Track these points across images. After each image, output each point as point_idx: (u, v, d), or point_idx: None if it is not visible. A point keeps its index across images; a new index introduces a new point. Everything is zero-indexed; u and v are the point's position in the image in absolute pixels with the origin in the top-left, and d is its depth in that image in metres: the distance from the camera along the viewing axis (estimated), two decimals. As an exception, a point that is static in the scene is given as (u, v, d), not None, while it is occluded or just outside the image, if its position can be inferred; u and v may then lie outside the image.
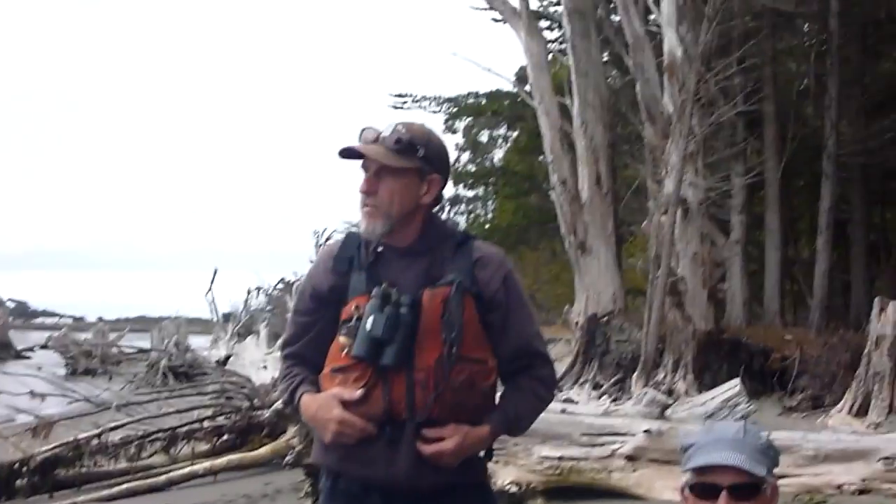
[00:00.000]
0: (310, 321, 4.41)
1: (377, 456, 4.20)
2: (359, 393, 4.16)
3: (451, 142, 68.90)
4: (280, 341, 4.61)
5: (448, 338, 4.14)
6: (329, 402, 4.21)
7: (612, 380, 25.48)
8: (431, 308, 4.17)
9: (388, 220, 4.26)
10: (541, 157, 36.48)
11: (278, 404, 14.11)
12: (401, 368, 4.14)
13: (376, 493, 4.26)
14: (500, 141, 62.64)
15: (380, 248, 4.32)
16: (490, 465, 4.56)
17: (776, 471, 3.76)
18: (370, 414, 4.17)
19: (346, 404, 4.18)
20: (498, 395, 4.43)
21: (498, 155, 61.98)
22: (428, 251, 4.32)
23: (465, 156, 62.00)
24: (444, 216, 4.60)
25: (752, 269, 35.55)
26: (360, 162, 4.29)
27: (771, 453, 3.71)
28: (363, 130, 4.30)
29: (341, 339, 4.21)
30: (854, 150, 32.53)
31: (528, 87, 31.26)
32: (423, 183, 4.31)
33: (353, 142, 4.28)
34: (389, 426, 4.19)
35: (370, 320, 4.12)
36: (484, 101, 52.33)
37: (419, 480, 4.20)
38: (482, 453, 4.41)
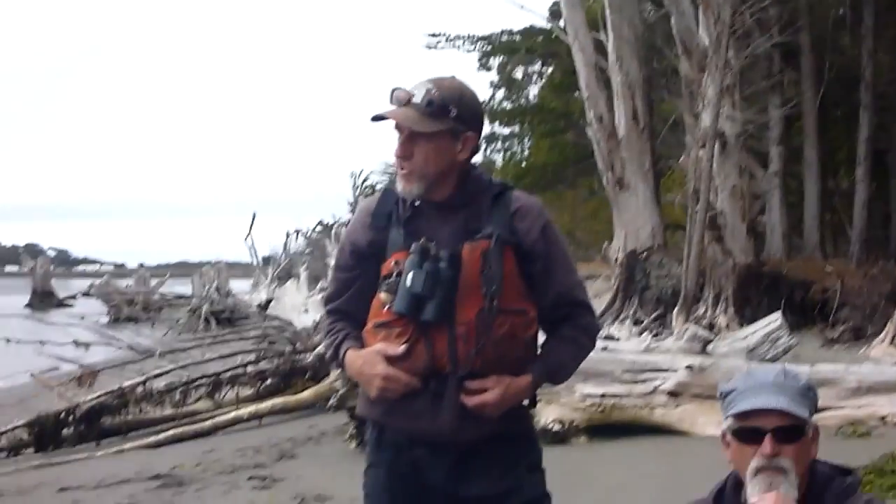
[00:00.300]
0: (350, 277, 4.42)
1: (422, 409, 4.22)
2: (402, 348, 4.17)
3: (486, 80, 68.65)
4: (322, 296, 4.59)
5: (489, 291, 4.15)
6: (374, 358, 4.22)
7: (653, 316, 25.49)
8: (471, 262, 4.17)
9: (424, 181, 4.24)
10: (576, 94, 36.32)
11: (320, 348, 14.15)
12: (442, 323, 4.14)
13: (422, 444, 4.29)
14: (534, 77, 62.26)
15: (417, 203, 4.30)
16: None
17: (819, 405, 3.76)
18: (414, 368, 4.18)
19: (390, 359, 4.20)
20: (540, 344, 4.44)
21: (533, 92, 61.61)
22: (465, 205, 4.31)
23: (500, 93, 61.70)
24: (479, 159, 4.55)
25: (790, 202, 35.34)
26: (393, 122, 4.27)
27: (811, 395, 3.70)
28: (394, 91, 4.26)
29: (382, 295, 4.22)
30: (891, 78, 32.23)
31: (561, 23, 31.06)
32: (457, 142, 4.28)
33: (385, 98, 4.25)
34: (433, 380, 4.20)
35: (410, 276, 4.12)
36: (518, 39, 51.97)
37: (463, 433, 4.22)
38: (525, 402, 4.43)
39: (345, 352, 4.35)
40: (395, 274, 4.20)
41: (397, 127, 4.26)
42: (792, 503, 3.54)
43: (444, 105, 4.20)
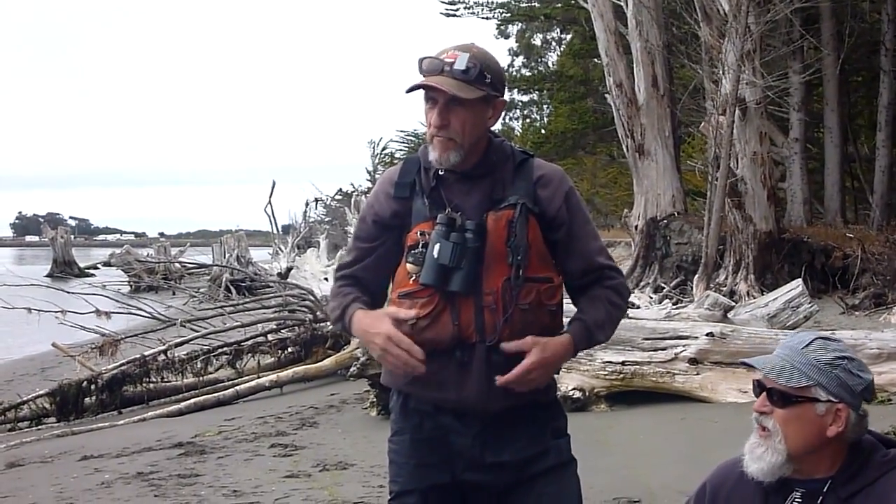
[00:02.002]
0: (370, 247, 4.38)
1: (448, 379, 4.21)
2: (413, 313, 4.16)
3: (504, 47, 68.61)
4: (336, 264, 4.55)
5: (514, 260, 4.13)
6: (381, 318, 4.21)
7: (673, 283, 25.48)
8: (496, 231, 4.15)
9: (460, 149, 4.20)
10: (595, 61, 36.20)
11: (328, 309, 14.15)
12: (469, 293, 4.14)
13: (448, 412, 4.29)
14: (553, 44, 62.22)
15: (441, 172, 4.28)
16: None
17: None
18: (439, 338, 4.17)
19: (413, 329, 4.17)
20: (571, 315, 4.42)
21: (552, 59, 61.58)
22: (489, 173, 4.29)
23: (519, 61, 61.71)
24: (498, 127, 4.51)
25: (811, 168, 35.28)
26: (422, 93, 4.24)
27: (834, 372, 3.65)
28: (423, 60, 4.22)
29: (408, 266, 4.20)
30: (912, 44, 32.05)
31: (581, -10, 30.95)
32: (489, 108, 4.26)
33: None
34: (459, 350, 4.19)
35: (437, 248, 4.11)
36: (536, 5, 51.88)
37: (490, 403, 4.21)
38: None
39: (353, 311, 4.31)
40: (420, 245, 4.17)
41: (432, 95, 4.21)
42: (765, 464, 3.62)
43: (481, 71, 4.18)
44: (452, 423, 4.28)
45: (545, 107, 63.16)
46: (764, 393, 3.65)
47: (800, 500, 3.67)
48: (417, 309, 4.17)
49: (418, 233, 4.20)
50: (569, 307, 4.40)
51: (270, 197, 42.88)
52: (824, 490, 3.63)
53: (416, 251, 4.18)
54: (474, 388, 4.19)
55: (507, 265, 4.14)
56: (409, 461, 4.34)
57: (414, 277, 4.18)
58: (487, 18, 53.19)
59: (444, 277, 4.11)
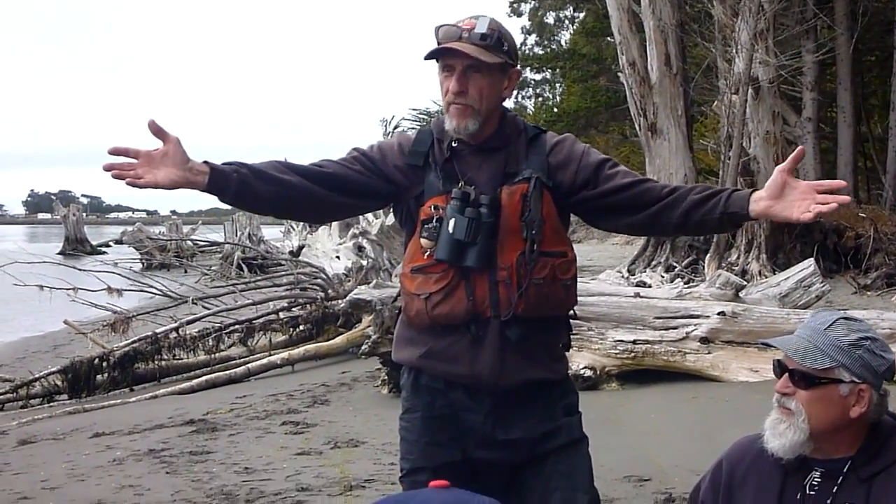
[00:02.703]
0: (353, 169, 4.27)
1: (461, 353, 4.21)
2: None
3: (517, 25, 68.48)
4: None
5: (529, 235, 4.13)
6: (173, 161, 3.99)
7: (685, 262, 25.45)
8: (510, 206, 4.15)
9: (478, 117, 4.18)
10: (608, 39, 36.12)
11: (352, 295, 14.16)
12: (483, 268, 4.14)
13: (459, 387, 4.29)
14: (566, 23, 62.12)
15: (454, 144, 4.26)
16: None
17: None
18: (454, 313, 4.18)
19: (425, 301, 4.18)
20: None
21: (565, 37, 61.49)
22: (503, 146, 4.27)
23: (531, 39, 61.63)
24: (511, 105, 4.49)
25: (824, 147, 35.19)
26: (432, 68, 4.24)
27: (858, 353, 3.64)
28: (440, 28, 4.20)
29: (423, 241, 4.18)
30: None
31: (593, -32, 30.87)
32: (505, 77, 4.26)
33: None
34: (474, 324, 4.19)
35: (452, 223, 4.10)
36: (549, -16, 51.72)
37: (503, 378, 4.22)
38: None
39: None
40: (435, 219, 4.16)
41: (450, 63, 4.18)
42: (787, 441, 3.61)
43: (499, 38, 4.17)
44: (464, 399, 4.28)
45: (558, 85, 63.07)
46: (786, 374, 3.64)
47: (819, 480, 3.67)
48: (431, 284, 4.17)
49: (432, 206, 4.19)
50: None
51: (283, 175, 42.87)
52: (844, 470, 3.64)
53: (430, 226, 4.17)
54: (488, 363, 4.19)
55: (521, 240, 4.14)
56: (421, 439, 4.35)
57: (428, 252, 4.16)
58: (500, -4, 53.18)
59: (460, 253, 4.11)
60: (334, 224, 41.75)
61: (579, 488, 4.30)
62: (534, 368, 4.27)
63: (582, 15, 55.70)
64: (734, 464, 3.87)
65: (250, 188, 4.07)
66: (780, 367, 3.67)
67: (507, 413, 4.29)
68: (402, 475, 4.41)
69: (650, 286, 18.87)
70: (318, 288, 20.00)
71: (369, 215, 30.89)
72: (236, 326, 17.82)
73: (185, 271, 39.04)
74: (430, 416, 4.34)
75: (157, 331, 17.20)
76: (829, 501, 3.62)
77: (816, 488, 3.66)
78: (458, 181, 4.19)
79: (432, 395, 4.33)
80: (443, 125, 4.28)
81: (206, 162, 4.07)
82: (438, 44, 4.17)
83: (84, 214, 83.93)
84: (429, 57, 4.18)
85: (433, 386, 4.32)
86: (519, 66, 4.38)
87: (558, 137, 4.36)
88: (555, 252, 4.21)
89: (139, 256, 50.02)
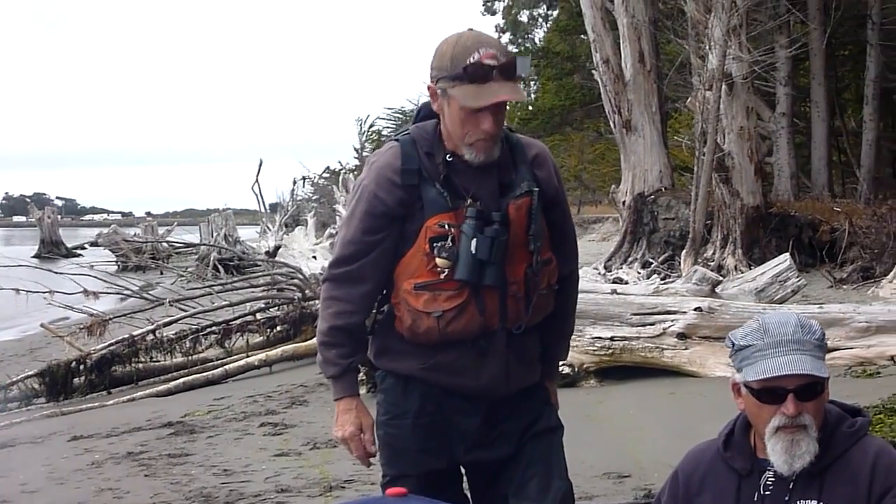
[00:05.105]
0: (376, 240, 4.23)
1: (467, 366, 4.25)
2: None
3: (491, 23, 68.53)
4: (332, 259, 4.35)
5: (535, 248, 4.19)
6: (356, 420, 4.39)
7: (661, 258, 25.51)
8: (518, 221, 4.16)
9: (497, 142, 4.18)
10: (582, 37, 36.16)
11: (319, 323, 14.13)
12: (498, 285, 4.17)
13: (458, 394, 4.32)
14: (540, 21, 62.20)
15: (449, 158, 4.21)
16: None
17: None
18: (467, 329, 4.19)
19: (437, 320, 4.20)
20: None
21: (539, 35, 61.57)
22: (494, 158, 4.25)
23: (506, 37, 61.69)
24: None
25: (798, 142, 35.32)
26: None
27: (825, 344, 3.69)
28: (469, 67, 4.06)
29: (439, 260, 4.12)
30: (899, 17, 32.06)
31: (567, -34, 30.89)
32: None
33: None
34: (483, 338, 4.23)
35: (474, 243, 4.08)
36: (523, -18, 51.75)
37: (508, 387, 4.30)
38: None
39: (343, 389, 4.46)
40: (449, 238, 4.13)
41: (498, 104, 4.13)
42: (810, 455, 3.56)
43: (517, 69, 4.17)
44: (460, 404, 4.33)
45: (532, 83, 63.08)
46: (791, 395, 3.57)
47: (773, 479, 3.67)
48: (443, 301, 4.16)
49: (441, 224, 4.15)
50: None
51: (258, 175, 42.89)
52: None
53: (445, 245, 4.13)
54: (493, 374, 4.26)
55: (527, 253, 4.19)
56: (410, 447, 4.37)
57: (446, 273, 4.14)
58: (474, -6, 53.25)
59: (480, 272, 4.11)
60: (310, 223, 41.81)
61: (555, 475, 4.35)
62: (530, 374, 4.39)
63: (555, 13, 55.80)
64: (689, 473, 3.87)
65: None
66: (781, 392, 3.59)
67: (499, 415, 4.35)
68: (385, 481, 4.43)
69: (627, 282, 18.93)
70: (294, 288, 19.98)
71: (344, 213, 30.97)
72: (213, 328, 17.78)
73: (162, 273, 38.97)
74: (419, 424, 4.35)
75: (134, 333, 17.16)
76: (786, 499, 3.63)
77: (771, 488, 3.66)
78: (464, 197, 4.17)
79: (423, 400, 4.34)
80: (428, 138, 4.24)
81: (355, 395, 4.47)
82: (468, 81, 4.08)
83: (59, 217, 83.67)
84: (485, 108, 4.10)
85: (426, 391, 4.33)
86: None
87: (536, 149, 4.37)
88: (546, 259, 4.28)
89: (115, 258, 49.90)
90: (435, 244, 4.14)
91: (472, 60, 4.04)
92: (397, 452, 4.40)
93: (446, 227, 4.14)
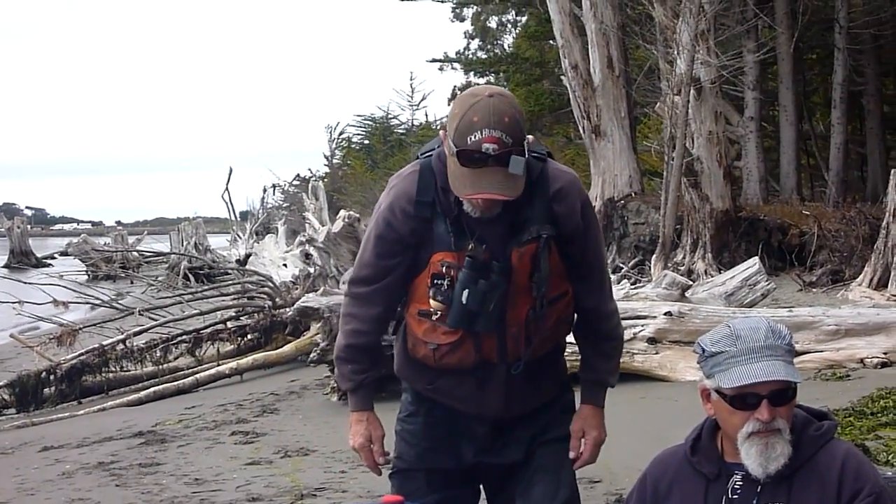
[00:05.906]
0: (392, 264, 4.24)
1: (467, 394, 4.31)
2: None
3: (460, 30, 68.63)
4: (350, 275, 4.33)
5: (539, 293, 4.14)
6: (366, 432, 4.41)
7: (631, 263, 25.56)
8: (521, 267, 4.12)
9: (500, 206, 4.06)
10: (551, 42, 36.20)
11: (300, 303, 14.15)
12: (494, 331, 4.17)
13: (466, 415, 4.40)
14: (508, 27, 62.24)
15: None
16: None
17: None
18: (462, 364, 4.23)
19: (433, 352, 4.25)
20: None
21: (507, 41, 61.60)
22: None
23: (475, 43, 61.71)
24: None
25: (767, 146, 35.41)
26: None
27: (794, 348, 3.71)
28: (463, 152, 3.95)
29: (433, 302, 4.14)
30: (865, 21, 32.18)
31: (535, -28, 30.92)
32: None
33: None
34: (481, 370, 4.26)
35: (465, 294, 4.07)
36: (492, -13, 51.80)
37: (510, 412, 4.34)
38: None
39: (358, 402, 4.46)
40: (446, 280, 4.13)
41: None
42: (784, 457, 3.59)
43: (522, 152, 4.02)
44: (469, 413, 4.40)
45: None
46: (765, 401, 3.58)
47: (741, 483, 3.69)
48: (440, 335, 4.20)
49: (443, 264, 4.14)
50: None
51: (228, 183, 42.91)
52: None
53: (442, 287, 4.14)
54: (494, 402, 4.31)
55: (530, 296, 4.16)
56: (421, 443, 4.45)
57: (438, 317, 4.15)
58: (443, 1, 53.32)
59: (471, 320, 4.12)
60: (281, 231, 41.68)
61: (561, 483, 4.38)
62: (540, 397, 4.40)
63: (524, 19, 55.69)
64: (657, 478, 3.88)
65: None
66: (755, 398, 3.60)
67: (510, 422, 4.40)
68: (393, 471, 4.51)
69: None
70: (265, 296, 19.98)
71: (315, 223, 30.91)
72: (184, 337, 17.77)
73: (132, 282, 38.90)
74: (430, 422, 4.44)
75: (104, 343, 17.13)
76: (754, 502, 3.64)
77: (739, 492, 3.68)
78: (468, 239, 4.12)
79: (434, 401, 4.43)
80: (445, 172, 4.11)
81: (368, 408, 4.49)
82: (462, 155, 3.98)
83: (28, 227, 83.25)
84: (483, 211, 4.08)
85: (436, 401, 4.44)
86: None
87: (561, 182, 4.24)
88: (558, 295, 4.24)
89: (85, 268, 49.76)
90: (434, 282, 4.15)
91: (471, 141, 3.94)
92: (408, 447, 4.47)
93: (446, 267, 4.13)
